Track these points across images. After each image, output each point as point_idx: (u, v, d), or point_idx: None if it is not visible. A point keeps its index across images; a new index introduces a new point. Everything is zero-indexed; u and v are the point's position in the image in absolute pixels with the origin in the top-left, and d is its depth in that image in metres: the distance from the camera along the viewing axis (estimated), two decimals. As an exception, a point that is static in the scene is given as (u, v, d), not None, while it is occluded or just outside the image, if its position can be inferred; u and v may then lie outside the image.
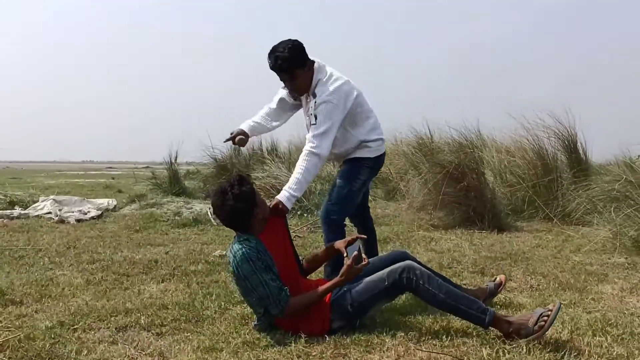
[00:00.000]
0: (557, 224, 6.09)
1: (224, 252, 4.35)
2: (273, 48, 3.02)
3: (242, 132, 3.20)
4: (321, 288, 2.51)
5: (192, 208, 7.16)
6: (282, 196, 2.82)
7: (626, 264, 4.00)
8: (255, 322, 2.58)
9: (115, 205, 7.55)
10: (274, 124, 3.33)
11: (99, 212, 6.93)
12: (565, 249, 4.74)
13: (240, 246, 2.46)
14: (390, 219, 6.70)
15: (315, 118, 3.04)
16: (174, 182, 8.16)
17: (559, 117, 7.60)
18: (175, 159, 8.88)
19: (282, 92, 3.28)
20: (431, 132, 9.50)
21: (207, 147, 9.72)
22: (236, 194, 2.49)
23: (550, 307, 2.33)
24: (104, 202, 7.57)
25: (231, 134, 3.23)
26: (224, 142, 3.36)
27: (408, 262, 2.56)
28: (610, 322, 2.61)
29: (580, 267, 3.96)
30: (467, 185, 6.04)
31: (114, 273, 3.76)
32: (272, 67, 3.04)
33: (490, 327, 2.38)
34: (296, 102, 3.27)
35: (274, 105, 3.31)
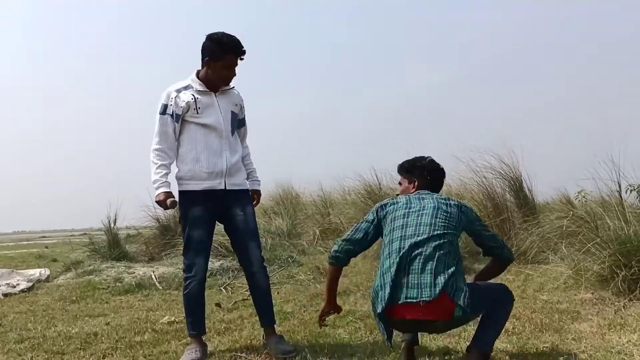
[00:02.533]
0: (514, 264, 6.03)
1: (173, 318, 3.95)
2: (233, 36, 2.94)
3: (170, 195, 2.89)
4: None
5: (134, 272, 6.64)
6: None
7: (594, 300, 3.92)
8: None
9: (48, 275, 6.91)
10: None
11: (30, 284, 6.30)
12: (529, 289, 4.65)
13: None
14: (346, 270, 6.41)
15: (242, 110, 3.11)
16: (113, 246, 7.61)
17: (503, 158, 7.76)
18: (115, 222, 8.35)
19: (169, 124, 2.90)
20: (379, 179, 9.45)
21: (148, 207, 9.25)
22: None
23: None
24: (35, 272, 6.92)
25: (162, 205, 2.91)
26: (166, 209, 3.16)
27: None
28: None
29: (550, 306, 3.84)
30: (422, 230, 5.92)
31: (45, 352, 3.27)
32: (243, 50, 2.92)
33: None
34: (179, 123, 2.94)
35: (171, 142, 2.93)
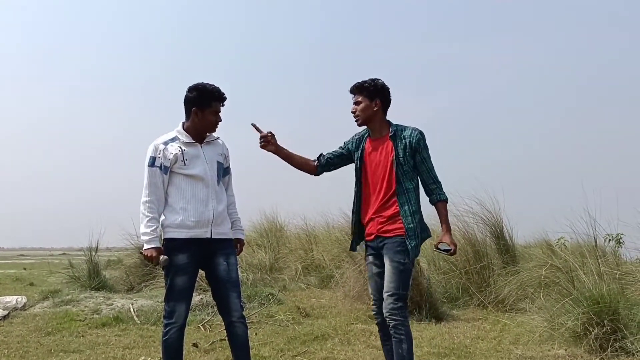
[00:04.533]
0: (492, 312, 6.10)
1: (149, 359, 3.93)
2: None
3: (161, 251, 2.94)
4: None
5: (112, 304, 6.59)
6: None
7: (567, 356, 3.99)
8: None
9: (25, 303, 6.83)
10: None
11: (5, 312, 6.22)
12: (505, 340, 4.70)
13: None
14: (326, 310, 6.46)
15: (227, 159, 3.21)
16: (93, 275, 7.55)
17: (484, 204, 7.88)
18: (96, 250, 8.29)
19: (158, 176, 2.98)
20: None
21: (131, 235, 9.21)
22: None
23: None
24: (11, 300, 6.83)
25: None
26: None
27: None
28: None
29: (523, 361, 3.89)
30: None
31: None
32: (225, 97, 3.12)
33: None
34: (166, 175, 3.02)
35: (160, 193, 3.00)
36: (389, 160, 3.02)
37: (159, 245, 2.92)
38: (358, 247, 3.34)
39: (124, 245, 10.07)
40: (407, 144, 3.01)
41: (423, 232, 3.03)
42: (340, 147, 3.29)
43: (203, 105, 3.02)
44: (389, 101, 3.16)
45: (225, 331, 3.11)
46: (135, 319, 5.88)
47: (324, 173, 3.34)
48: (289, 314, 5.95)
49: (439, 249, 3.05)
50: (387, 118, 3.17)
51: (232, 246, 3.15)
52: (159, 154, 2.98)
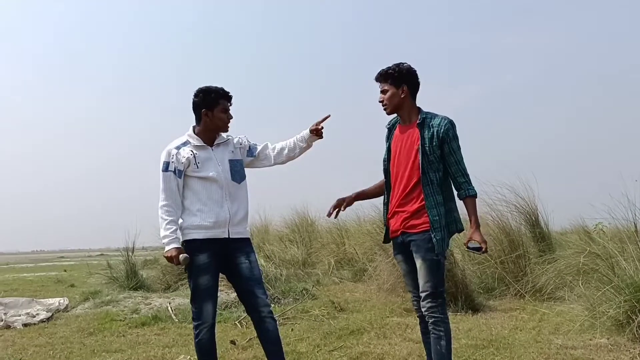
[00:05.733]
0: (530, 301, 6.01)
1: (188, 357, 4.00)
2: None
3: (181, 251, 2.98)
4: None
5: (150, 304, 6.74)
6: None
7: (609, 346, 3.89)
8: None
9: (67, 305, 7.03)
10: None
11: (49, 314, 6.41)
12: (544, 330, 4.62)
13: None
14: (361, 304, 6.46)
15: (242, 146, 3.26)
16: (131, 275, 7.72)
17: (518, 191, 7.74)
18: (133, 251, 8.47)
19: (173, 180, 3.03)
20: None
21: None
22: None
23: None
24: (54, 302, 7.04)
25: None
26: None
27: None
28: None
29: (564, 351, 3.82)
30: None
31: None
32: (230, 95, 3.19)
33: None
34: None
35: (176, 197, 3.05)
36: (414, 149, 2.89)
37: (178, 245, 2.96)
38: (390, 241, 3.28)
39: (160, 245, 10.26)
40: (435, 133, 2.85)
41: (451, 224, 2.89)
42: (387, 149, 3.13)
43: (211, 105, 3.08)
44: (417, 85, 3.00)
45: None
46: (174, 317, 5.99)
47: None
48: (323, 309, 5.97)
49: (469, 247, 2.91)
50: (418, 105, 3.02)
51: (251, 245, 3.19)
52: (172, 158, 3.04)
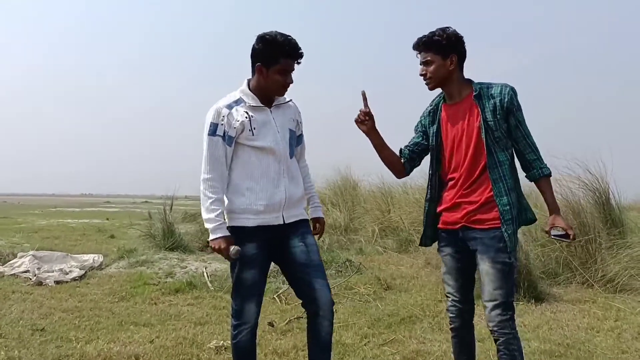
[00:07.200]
0: (600, 292, 5.37)
1: (221, 343, 3.60)
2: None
3: (231, 241, 2.42)
4: None
5: (186, 267, 6.42)
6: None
7: None
8: None
9: (101, 262, 6.80)
10: None
11: (82, 272, 6.18)
12: (625, 333, 4.02)
13: None
14: (409, 282, 5.95)
15: (300, 125, 2.69)
16: (167, 235, 7.42)
17: (589, 167, 6.96)
18: (171, 208, 8.17)
19: (220, 147, 2.44)
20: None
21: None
22: None
23: None
24: (88, 258, 6.83)
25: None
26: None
27: None
28: None
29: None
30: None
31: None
32: (300, 53, 2.53)
33: None
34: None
35: (223, 169, 2.46)
36: (476, 127, 2.37)
37: (227, 233, 2.41)
38: (431, 243, 2.65)
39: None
40: (498, 103, 2.35)
41: (521, 214, 2.41)
42: (416, 131, 2.63)
43: (269, 62, 2.43)
44: (465, 53, 2.48)
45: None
46: (209, 285, 5.65)
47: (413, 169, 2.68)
48: (369, 287, 5.51)
49: (553, 235, 2.41)
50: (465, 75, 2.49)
51: (309, 226, 2.64)
52: (222, 120, 2.43)
